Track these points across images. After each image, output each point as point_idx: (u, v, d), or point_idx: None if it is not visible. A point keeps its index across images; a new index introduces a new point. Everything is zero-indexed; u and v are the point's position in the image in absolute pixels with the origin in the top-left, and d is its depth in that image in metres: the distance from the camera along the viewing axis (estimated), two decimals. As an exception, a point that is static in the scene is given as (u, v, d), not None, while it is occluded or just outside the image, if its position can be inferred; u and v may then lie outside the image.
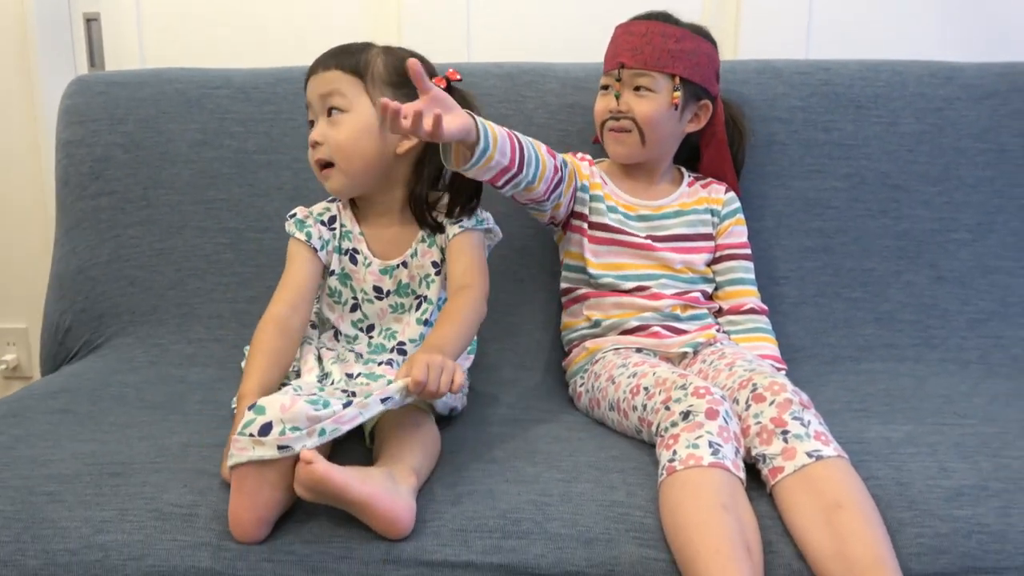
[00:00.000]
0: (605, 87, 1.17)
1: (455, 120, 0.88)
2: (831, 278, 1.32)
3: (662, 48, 1.11)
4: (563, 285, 1.21)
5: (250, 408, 0.79)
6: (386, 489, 0.79)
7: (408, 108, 0.84)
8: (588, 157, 1.21)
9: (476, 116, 0.92)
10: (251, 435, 0.77)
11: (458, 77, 1.08)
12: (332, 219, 1.08)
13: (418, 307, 1.08)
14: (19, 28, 1.76)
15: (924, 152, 1.35)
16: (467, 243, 1.06)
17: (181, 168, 1.36)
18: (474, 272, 1.04)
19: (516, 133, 1.00)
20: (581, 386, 1.11)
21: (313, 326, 1.11)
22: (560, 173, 1.08)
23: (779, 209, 1.34)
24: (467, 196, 1.07)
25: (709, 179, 1.24)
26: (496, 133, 0.95)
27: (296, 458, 0.77)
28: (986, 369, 1.24)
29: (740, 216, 1.22)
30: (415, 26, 1.66)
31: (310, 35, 1.70)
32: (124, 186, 1.36)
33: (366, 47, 1.05)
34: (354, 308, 1.09)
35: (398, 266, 1.07)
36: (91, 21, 1.85)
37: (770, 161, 1.34)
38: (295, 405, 0.78)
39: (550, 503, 0.82)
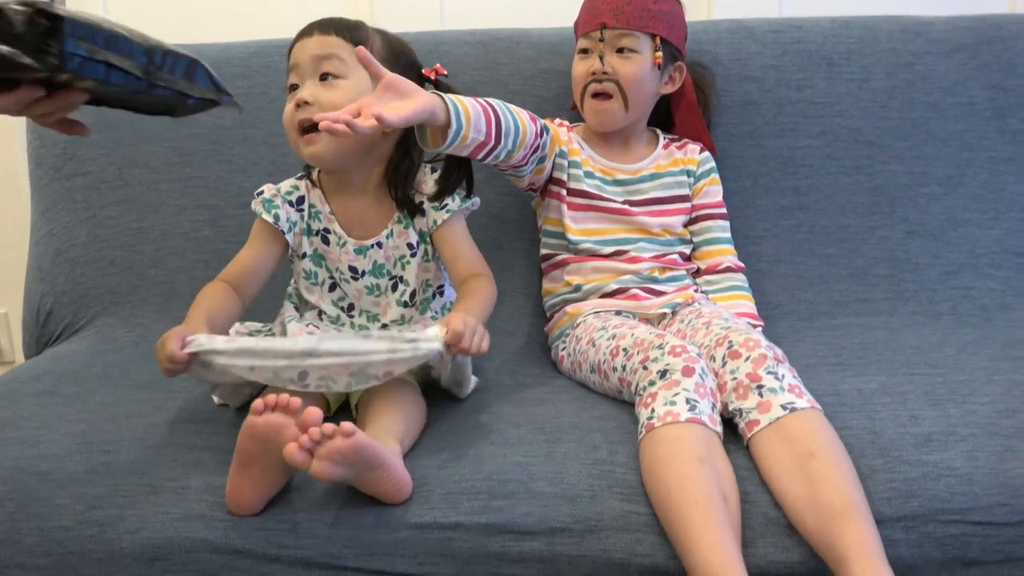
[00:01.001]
0: (585, 50, 1.16)
1: (408, 104, 0.84)
2: (806, 236, 1.34)
3: (642, 8, 1.11)
4: (543, 251, 1.22)
5: None
6: (382, 446, 0.80)
7: (357, 106, 0.81)
8: (566, 123, 1.22)
9: (445, 95, 0.90)
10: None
11: (444, 72, 1.08)
12: (300, 199, 1.06)
13: (395, 288, 1.07)
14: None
15: (895, 108, 1.36)
16: (457, 231, 1.06)
17: (156, 146, 1.35)
18: (475, 261, 1.06)
19: (493, 103, 0.99)
20: (563, 350, 1.13)
21: (296, 309, 1.10)
22: (541, 139, 1.08)
23: (754, 169, 1.35)
24: (458, 171, 1.06)
25: (684, 140, 1.25)
26: (468, 109, 0.93)
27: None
28: (956, 320, 1.27)
29: (715, 176, 1.23)
30: (387, -6, 1.64)
31: (281, 6, 1.68)
32: (99, 166, 1.35)
33: (363, 24, 1.04)
34: (333, 287, 1.08)
35: (373, 246, 1.05)
36: (55, -3, 1.82)
37: (744, 121, 1.35)
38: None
39: (534, 463, 0.85)
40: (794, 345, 1.16)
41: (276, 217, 1.03)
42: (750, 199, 1.34)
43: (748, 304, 1.17)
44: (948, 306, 1.30)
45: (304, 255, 1.06)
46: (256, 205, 1.04)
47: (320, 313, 1.09)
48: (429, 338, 0.84)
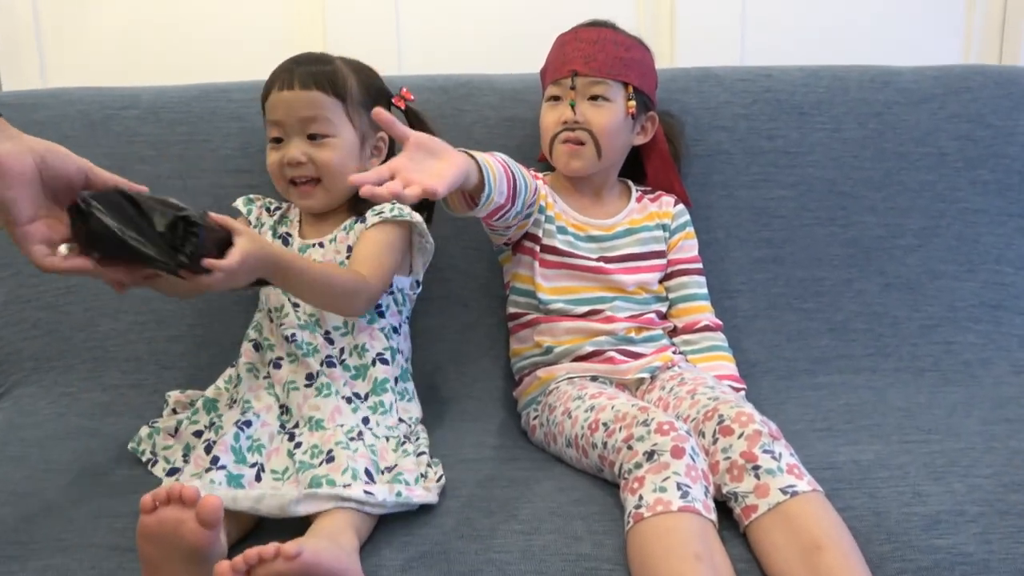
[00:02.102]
0: (555, 97, 1.10)
1: (449, 169, 0.76)
2: (783, 289, 1.29)
3: (615, 56, 1.06)
4: (511, 310, 1.14)
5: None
6: (335, 556, 0.70)
7: (390, 169, 0.72)
8: (539, 175, 1.15)
9: (474, 154, 0.83)
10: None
11: (411, 97, 1.10)
12: (277, 208, 1.12)
13: None
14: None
15: (868, 158, 1.33)
16: (377, 234, 1.01)
17: (87, 197, 1.24)
18: (368, 262, 0.97)
19: (507, 161, 0.93)
20: (535, 419, 1.05)
21: (256, 347, 1.03)
22: (535, 195, 1.02)
23: (727, 220, 1.30)
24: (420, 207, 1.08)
25: (658, 192, 1.19)
26: (495, 171, 0.87)
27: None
28: (940, 377, 1.23)
29: (690, 229, 1.18)
30: (341, 37, 1.57)
31: (230, 49, 1.59)
32: (22, 219, 1.23)
33: (332, 63, 1.05)
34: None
35: (314, 245, 1.05)
36: (-17, 34, 1.71)
37: (715, 170, 1.31)
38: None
39: (510, 561, 0.75)
40: (778, 408, 1.11)
41: (249, 212, 1.10)
42: (724, 251, 1.29)
43: (729, 366, 1.11)
44: (930, 361, 1.25)
45: None
46: (239, 201, 1.11)
47: (257, 345, 1.03)
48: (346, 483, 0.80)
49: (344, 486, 0.78)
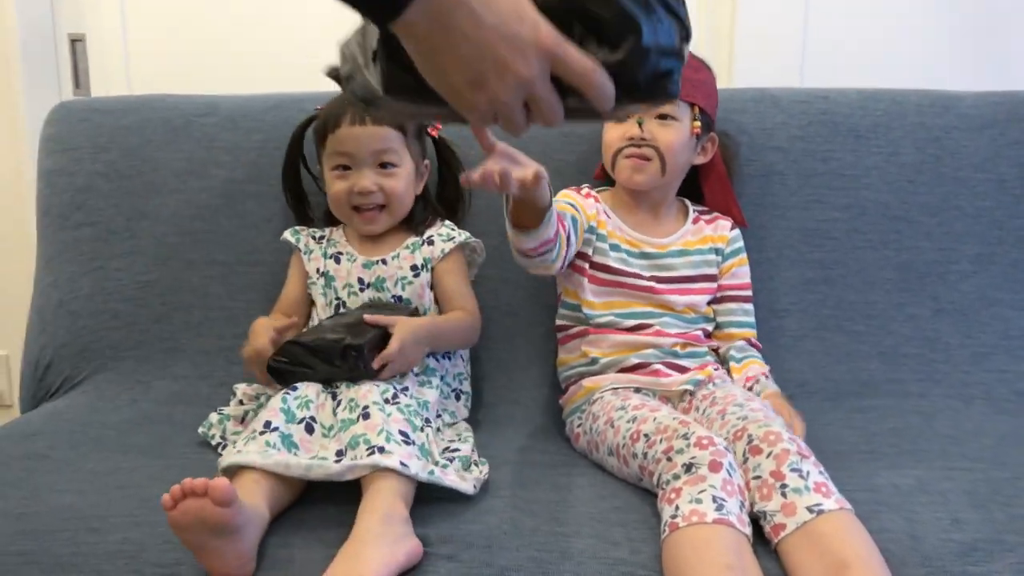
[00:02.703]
0: None
1: (535, 166, 0.87)
2: (833, 311, 1.29)
3: (684, 76, 1.08)
4: (559, 321, 1.17)
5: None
6: (392, 551, 0.76)
7: (490, 173, 0.82)
8: (593, 192, 1.18)
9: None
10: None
11: (435, 135, 1.21)
12: (322, 237, 1.20)
13: (397, 301, 1.13)
14: (1, 48, 1.72)
15: (924, 182, 1.33)
16: (456, 266, 1.16)
17: (166, 198, 1.32)
18: (466, 299, 1.16)
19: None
20: (579, 427, 1.08)
21: None
22: (571, 242, 1.05)
23: (779, 240, 1.31)
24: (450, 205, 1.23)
25: (715, 214, 1.21)
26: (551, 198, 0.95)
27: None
28: (991, 406, 1.21)
29: (743, 256, 1.20)
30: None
31: (300, 62, 1.67)
32: (107, 216, 1.32)
33: None
34: (336, 308, 1.14)
35: (377, 262, 1.15)
36: (76, 42, 1.82)
37: (769, 191, 1.32)
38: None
39: (550, 560, 0.79)
40: (822, 428, 1.11)
41: (298, 241, 1.19)
42: (774, 271, 1.30)
43: (759, 368, 1.14)
44: (982, 389, 1.24)
45: (313, 283, 1.17)
46: (286, 233, 1.21)
47: None
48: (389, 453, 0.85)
49: (380, 449, 0.83)
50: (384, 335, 1.00)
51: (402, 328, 1.00)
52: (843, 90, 1.38)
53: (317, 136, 1.16)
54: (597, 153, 1.21)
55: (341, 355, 0.96)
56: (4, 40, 1.72)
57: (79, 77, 1.84)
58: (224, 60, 1.70)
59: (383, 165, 1.12)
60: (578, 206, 1.11)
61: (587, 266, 1.12)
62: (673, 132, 1.10)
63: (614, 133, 1.12)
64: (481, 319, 1.17)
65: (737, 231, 1.20)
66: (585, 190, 1.17)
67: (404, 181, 1.14)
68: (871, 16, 1.63)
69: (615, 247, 1.12)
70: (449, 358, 1.16)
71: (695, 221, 1.19)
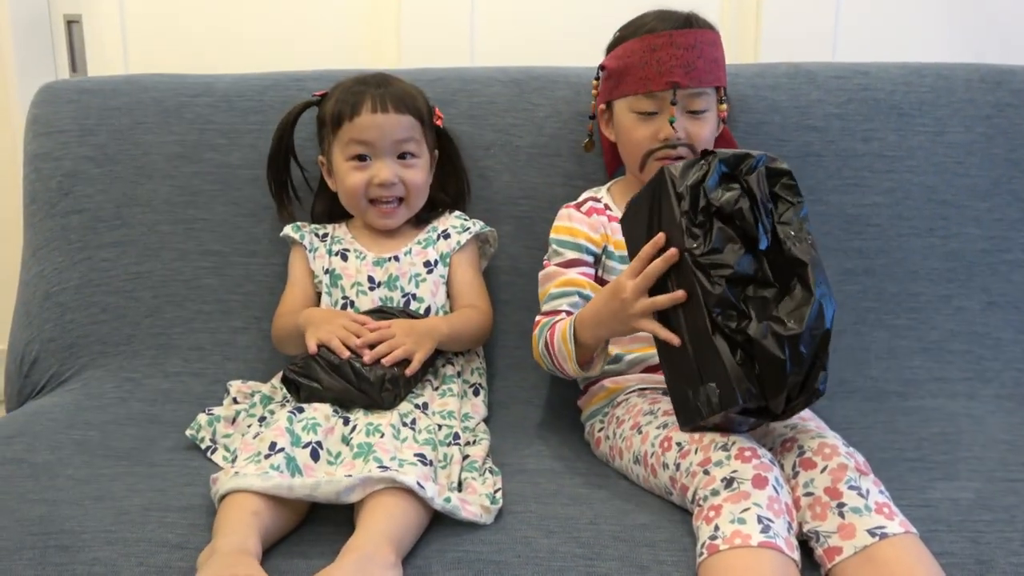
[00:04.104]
0: (649, 113, 1.00)
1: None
2: (873, 303, 1.20)
3: (711, 59, 0.99)
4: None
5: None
6: None
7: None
8: (599, 201, 1.07)
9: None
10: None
11: (439, 124, 1.15)
12: (325, 235, 1.13)
13: (407, 304, 1.07)
14: (-7, 30, 1.65)
15: (974, 164, 1.23)
16: (470, 257, 1.12)
17: (158, 184, 1.24)
18: (478, 293, 1.11)
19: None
20: (600, 431, 0.99)
21: None
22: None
23: (815, 227, 1.15)
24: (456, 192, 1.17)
25: None
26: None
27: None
28: (1048, 407, 1.12)
29: None
30: (415, 28, 1.55)
31: (305, 40, 1.59)
32: (96, 203, 1.24)
33: (405, 84, 1.10)
34: (344, 308, 1.07)
35: (390, 259, 1.09)
36: (72, 23, 1.75)
37: (804, 173, 1.22)
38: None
39: (570, 588, 0.70)
40: (864, 433, 1.02)
41: (302, 237, 1.12)
42: (810, 260, 1.20)
43: None
44: (1037, 390, 1.15)
45: (319, 281, 1.10)
46: (287, 229, 1.13)
47: None
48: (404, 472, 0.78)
49: (396, 468, 0.77)
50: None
51: (399, 323, 0.98)
52: (884, 64, 1.27)
53: (329, 123, 1.08)
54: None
55: (380, 385, 0.93)
56: (-3, 21, 1.65)
57: (75, 60, 1.77)
58: (225, 42, 1.62)
59: (402, 156, 1.06)
60: (577, 280, 1.02)
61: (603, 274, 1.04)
62: (706, 125, 1.01)
63: (643, 132, 1.01)
64: (493, 315, 1.11)
65: None
66: (587, 205, 1.06)
67: (424, 172, 1.09)
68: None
69: (624, 259, 1.01)
70: (463, 354, 1.10)
71: None
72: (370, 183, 1.06)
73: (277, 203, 1.17)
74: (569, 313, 0.97)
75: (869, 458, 0.81)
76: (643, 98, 1.00)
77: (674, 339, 0.80)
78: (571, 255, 1.02)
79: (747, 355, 0.75)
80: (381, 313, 1.03)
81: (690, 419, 0.80)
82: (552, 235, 1.05)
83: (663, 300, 0.80)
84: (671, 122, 0.98)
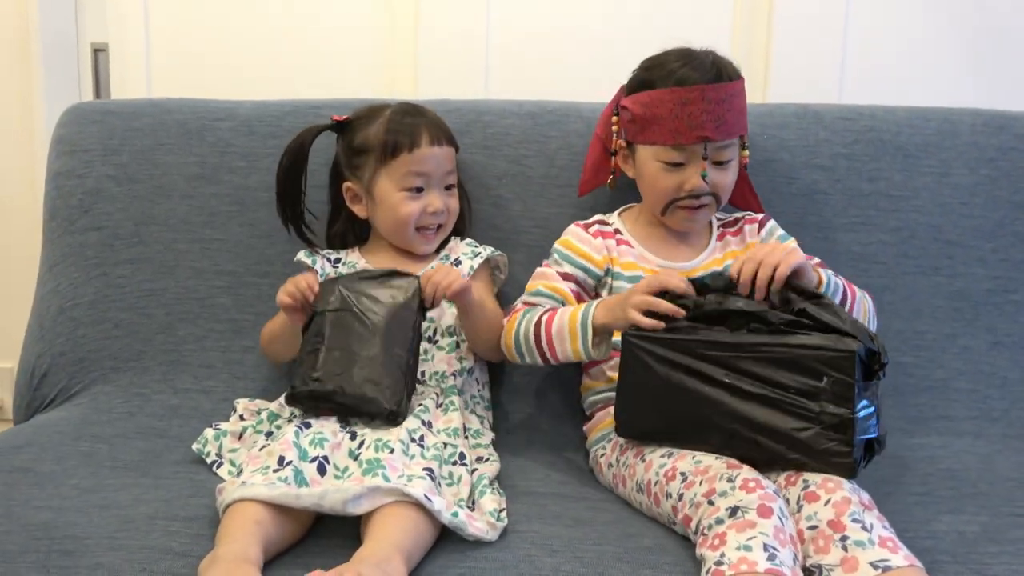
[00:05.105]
0: (677, 164, 1.01)
1: None
2: (879, 341, 1.20)
3: (739, 110, 1.01)
4: (584, 342, 1.09)
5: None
6: None
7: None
8: (608, 225, 1.09)
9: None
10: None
11: None
12: (337, 260, 1.15)
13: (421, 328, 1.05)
14: (22, 55, 1.70)
15: (978, 205, 1.24)
16: (481, 282, 1.13)
17: (177, 204, 1.26)
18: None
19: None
20: (603, 457, 0.99)
21: None
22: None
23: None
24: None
25: (737, 221, 1.13)
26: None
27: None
28: (1056, 447, 1.11)
29: (791, 239, 1.10)
30: (431, 61, 1.59)
31: (325, 69, 1.63)
32: (115, 221, 1.26)
33: (439, 118, 1.15)
34: None
35: None
36: (99, 51, 1.80)
37: (811, 211, 1.24)
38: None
39: (572, 607, 0.70)
40: (870, 468, 0.99)
41: (314, 263, 1.14)
42: (816, 296, 1.21)
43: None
44: (1044, 430, 1.14)
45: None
46: (301, 254, 1.16)
47: None
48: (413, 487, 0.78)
49: (405, 482, 0.77)
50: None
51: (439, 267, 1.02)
52: (891, 107, 1.30)
53: (379, 152, 1.09)
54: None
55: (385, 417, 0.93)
56: (26, 48, 1.70)
57: (100, 87, 1.81)
58: (248, 71, 1.66)
59: (448, 187, 1.12)
60: (573, 291, 1.05)
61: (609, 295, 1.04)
62: (730, 173, 1.04)
63: (669, 182, 1.02)
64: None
65: (772, 222, 1.12)
66: (595, 227, 1.09)
67: (457, 201, 1.14)
68: (913, 32, 1.56)
69: (636, 279, 1.03)
70: (470, 372, 1.10)
71: (720, 237, 1.11)
72: (423, 212, 1.09)
73: (295, 228, 1.16)
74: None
75: (874, 493, 0.81)
76: (671, 149, 1.01)
77: (659, 325, 0.88)
78: (567, 268, 1.06)
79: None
80: (396, 275, 1.00)
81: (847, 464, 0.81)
82: (556, 244, 1.10)
83: (663, 305, 0.87)
84: (703, 176, 1.00)
